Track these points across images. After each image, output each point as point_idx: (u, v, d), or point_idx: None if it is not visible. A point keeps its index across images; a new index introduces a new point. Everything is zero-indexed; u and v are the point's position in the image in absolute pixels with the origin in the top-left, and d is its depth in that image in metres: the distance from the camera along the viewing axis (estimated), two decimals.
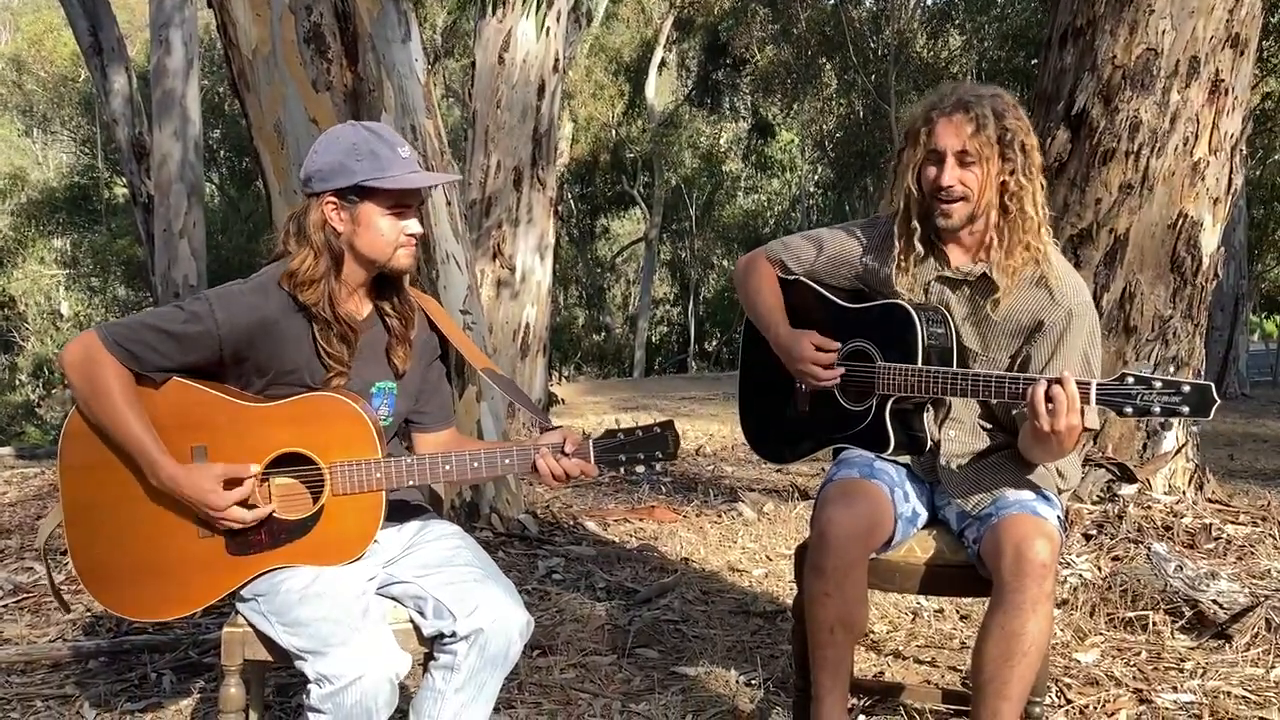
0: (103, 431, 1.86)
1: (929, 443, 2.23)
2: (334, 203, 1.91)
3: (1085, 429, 1.94)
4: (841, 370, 2.24)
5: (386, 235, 1.92)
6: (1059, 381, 1.90)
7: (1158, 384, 1.84)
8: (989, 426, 2.23)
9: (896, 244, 2.22)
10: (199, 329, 1.85)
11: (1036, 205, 2.12)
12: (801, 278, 2.37)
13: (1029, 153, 2.11)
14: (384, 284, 2.01)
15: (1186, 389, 1.82)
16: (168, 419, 1.86)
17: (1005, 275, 2.14)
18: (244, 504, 1.87)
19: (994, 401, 2.17)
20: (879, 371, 2.18)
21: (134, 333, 1.84)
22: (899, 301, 2.19)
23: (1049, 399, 1.91)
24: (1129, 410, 1.86)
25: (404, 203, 1.93)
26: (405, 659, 1.83)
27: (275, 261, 1.97)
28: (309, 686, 1.77)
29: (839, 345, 2.24)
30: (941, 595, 3.22)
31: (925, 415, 2.23)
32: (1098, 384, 1.89)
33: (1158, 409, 1.84)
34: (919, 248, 2.20)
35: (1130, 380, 1.86)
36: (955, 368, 2.15)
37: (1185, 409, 1.83)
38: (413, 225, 1.95)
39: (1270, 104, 14.28)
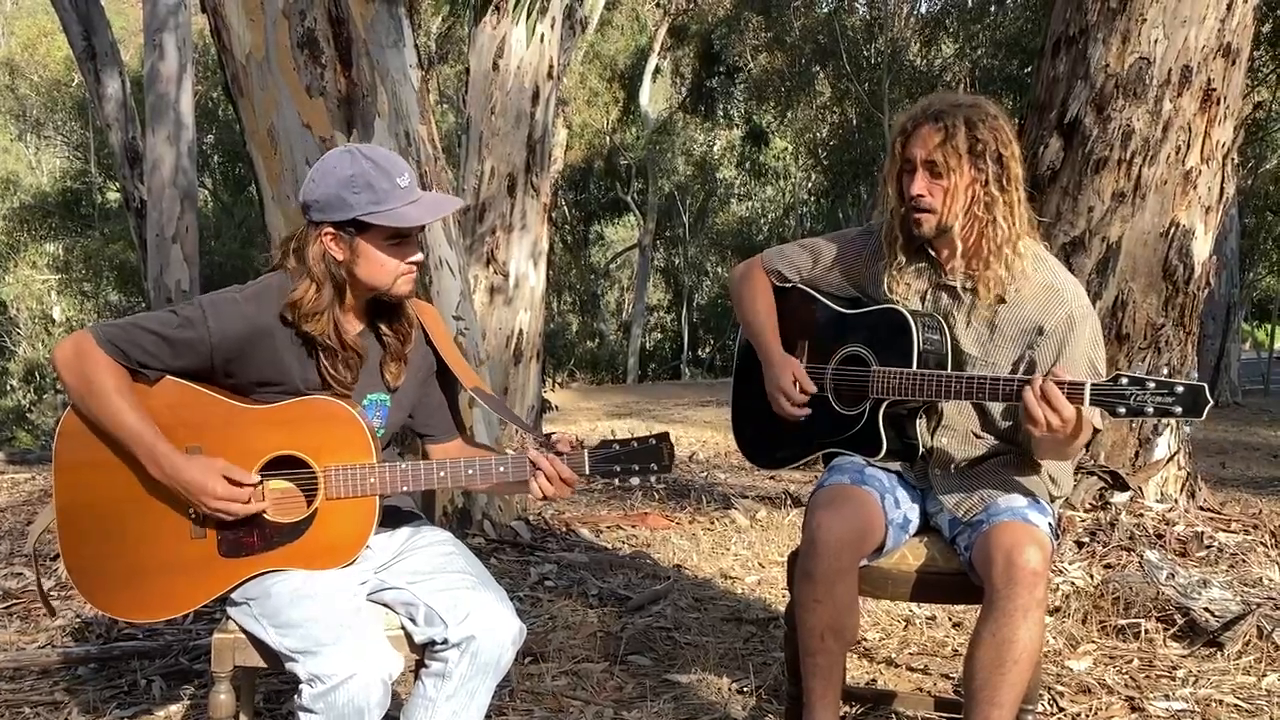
0: (99, 426, 1.84)
1: (921, 449, 2.23)
2: (332, 234, 1.89)
3: (1096, 429, 1.97)
4: (806, 411, 2.28)
5: (387, 266, 1.91)
6: (1047, 379, 1.92)
7: (1151, 384, 1.85)
8: (982, 434, 2.23)
9: (885, 253, 2.23)
10: (191, 335, 1.85)
11: (1013, 216, 2.10)
12: (798, 285, 2.38)
13: (1005, 164, 2.09)
14: (381, 304, 1.99)
15: (1180, 389, 1.83)
16: (162, 419, 1.85)
17: (984, 286, 2.13)
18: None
19: (988, 404, 2.17)
20: (873, 375, 2.18)
21: (126, 333, 1.83)
22: (895, 307, 2.19)
23: (1043, 398, 1.91)
24: (1122, 410, 1.87)
25: (403, 233, 1.91)
26: (398, 659, 1.82)
27: (272, 273, 1.96)
28: (300, 687, 1.76)
29: (814, 390, 2.29)
30: (933, 603, 3.21)
31: (918, 422, 2.23)
32: (1092, 384, 1.90)
33: (1151, 409, 1.85)
34: (902, 257, 2.21)
35: (1124, 381, 1.86)
36: (950, 371, 2.15)
37: (1178, 409, 1.84)
38: (414, 255, 1.93)
39: (1261, 113, 14.35)
